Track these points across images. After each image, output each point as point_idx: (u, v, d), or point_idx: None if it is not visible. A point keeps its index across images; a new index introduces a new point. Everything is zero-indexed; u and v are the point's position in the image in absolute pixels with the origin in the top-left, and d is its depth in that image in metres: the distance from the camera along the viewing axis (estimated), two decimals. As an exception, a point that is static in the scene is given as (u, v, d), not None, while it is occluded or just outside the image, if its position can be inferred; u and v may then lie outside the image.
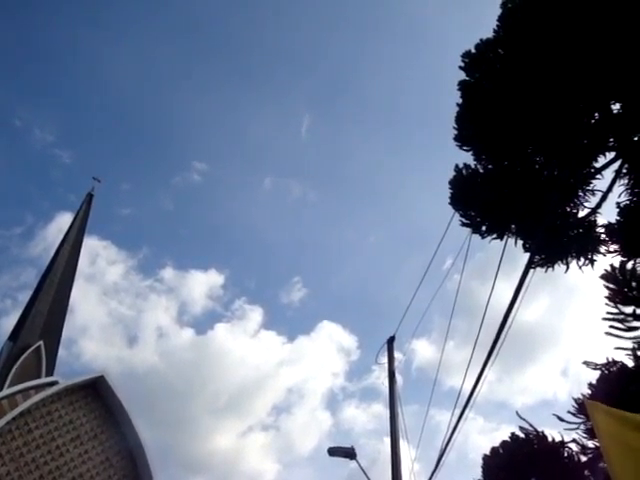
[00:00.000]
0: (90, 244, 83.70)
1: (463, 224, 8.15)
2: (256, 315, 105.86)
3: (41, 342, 31.94)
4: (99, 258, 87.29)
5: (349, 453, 11.46)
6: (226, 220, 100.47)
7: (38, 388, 25.98)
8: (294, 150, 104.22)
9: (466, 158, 7.69)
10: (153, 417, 72.49)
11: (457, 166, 7.66)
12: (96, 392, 26.67)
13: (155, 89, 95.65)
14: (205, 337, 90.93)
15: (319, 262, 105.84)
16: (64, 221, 39.32)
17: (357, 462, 11.42)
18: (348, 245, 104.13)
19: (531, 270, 6.46)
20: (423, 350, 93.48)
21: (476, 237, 8.20)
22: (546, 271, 7.45)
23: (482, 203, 7.53)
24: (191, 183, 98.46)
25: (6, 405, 24.64)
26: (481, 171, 7.58)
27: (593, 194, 7.11)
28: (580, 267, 7.25)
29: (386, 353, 12.33)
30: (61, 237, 38.47)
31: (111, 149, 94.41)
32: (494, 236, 7.63)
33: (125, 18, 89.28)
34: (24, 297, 36.40)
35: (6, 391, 25.73)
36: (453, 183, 7.72)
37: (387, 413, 11.64)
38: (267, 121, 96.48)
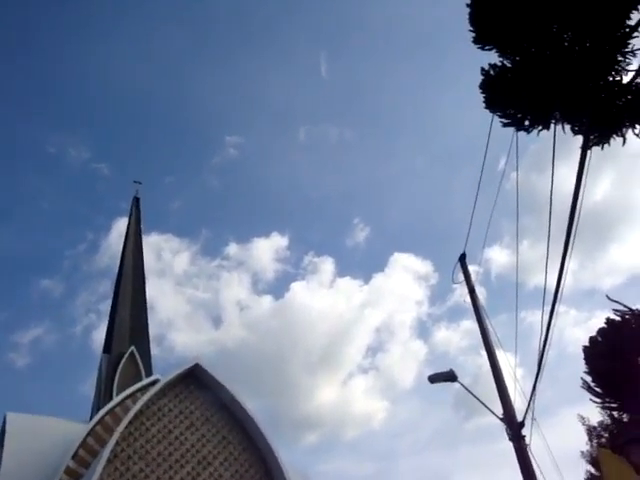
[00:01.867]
0: (152, 241, 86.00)
1: (505, 125, 7.86)
2: (327, 266, 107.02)
3: (132, 347, 33.34)
4: (163, 252, 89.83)
5: (449, 376, 11.52)
6: (273, 183, 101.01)
7: (143, 389, 27.28)
8: (319, 94, 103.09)
9: (491, 59, 7.35)
10: (255, 388, 75.09)
11: (483, 69, 7.31)
12: (196, 379, 27.72)
13: (167, 79, 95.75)
14: (284, 300, 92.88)
15: (373, 198, 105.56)
16: (121, 227, 40.36)
17: (459, 383, 11.49)
18: (397, 175, 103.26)
19: (588, 151, 6.17)
20: (498, 257, 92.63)
21: (523, 133, 7.92)
22: (602, 148, 7.12)
23: (518, 98, 7.20)
24: (229, 158, 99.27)
25: (120, 412, 26.06)
26: (509, 66, 7.22)
27: (634, 55, 6.67)
28: (638, 135, 6.88)
29: (461, 272, 12.23)
30: (122, 243, 39.61)
31: (145, 149, 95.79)
32: (540, 128, 7.31)
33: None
34: (106, 308, 37.80)
35: (116, 399, 27.18)
36: (484, 86, 7.39)
37: (478, 328, 11.62)
38: (285, 75, 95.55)
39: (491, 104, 7.74)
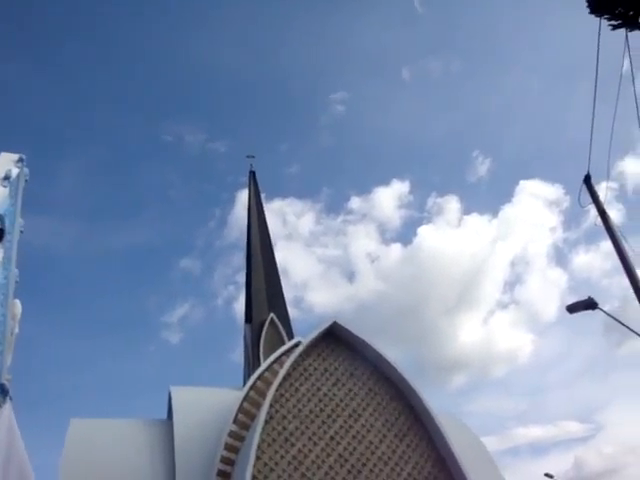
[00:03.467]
0: (275, 208, 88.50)
1: (614, 27, 7.19)
2: (452, 205, 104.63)
3: (272, 314, 34.73)
4: (288, 216, 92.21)
5: (589, 304, 10.91)
6: (384, 130, 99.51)
7: (287, 353, 28.41)
8: (416, 29, 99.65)
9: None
10: (395, 338, 75.94)
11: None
12: (336, 337, 28.43)
13: (262, 54, 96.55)
14: (413, 246, 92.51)
15: (489, 128, 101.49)
16: (244, 200, 41.91)
17: (601, 310, 10.86)
18: (511, 100, 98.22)
19: None
20: (635, 168, 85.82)
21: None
22: None
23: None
24: (338, 115, 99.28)
25: (269, 376, 27.37)
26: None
27: None
28: None
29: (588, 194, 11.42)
30: (246, 216, 41.05)
31: (255, 122, 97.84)
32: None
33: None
34: (242, 279, 39.58)
35: (264, 365, 28.54)
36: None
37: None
38: (376, 17, 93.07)
39: (596, 8, 7.12)
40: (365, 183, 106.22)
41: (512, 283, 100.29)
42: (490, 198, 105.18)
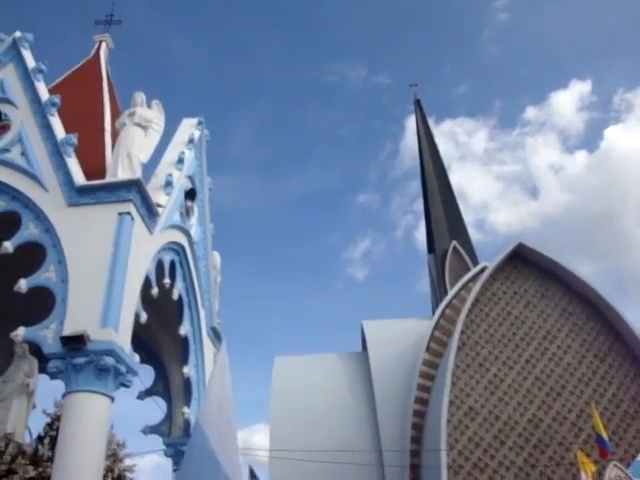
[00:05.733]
0: (445, 130, 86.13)
1: None
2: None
3: (454, 242, 34.39)
4: (459, 136, 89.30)
5: None
6: (552, 33, 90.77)
7: (473, 279, 28.15)
8: None
9: None
10: (588, 253, 71.20)
11: None
12: (523, 258, 27.54)
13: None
14: (600, 151, 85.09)
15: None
16: (414, 128, 41.41)
17: None
18: None
19: None
20: None
21: None
22: None
23: None
24: (501, 23, 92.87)
25: (457, 303, 27.45)
26: None
27: None
28: None
29: None
30: (417, 145, 40.65)
31: (414, 47, 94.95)
32: None
33: None
34: (419, 207, 39.50)
35: (451, 293, 28.61)
36: None
37: None
38: None
39: None
40: (539, 90, 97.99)
41: None
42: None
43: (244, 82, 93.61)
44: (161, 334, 11.39)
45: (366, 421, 26.59)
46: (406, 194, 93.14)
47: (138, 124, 9.31)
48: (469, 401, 23.94)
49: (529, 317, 26.17)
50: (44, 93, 9.56)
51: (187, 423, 10.86)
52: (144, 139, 9.30)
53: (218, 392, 6.38)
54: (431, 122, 41.07)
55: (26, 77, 9.64)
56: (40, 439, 9.10)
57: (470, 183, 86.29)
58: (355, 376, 28.83)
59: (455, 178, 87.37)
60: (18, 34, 9.99)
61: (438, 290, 33.22)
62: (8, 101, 9.50)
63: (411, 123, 56.81)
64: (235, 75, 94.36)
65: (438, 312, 27.79)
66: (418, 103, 40.94)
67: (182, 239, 10.56)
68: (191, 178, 11.15)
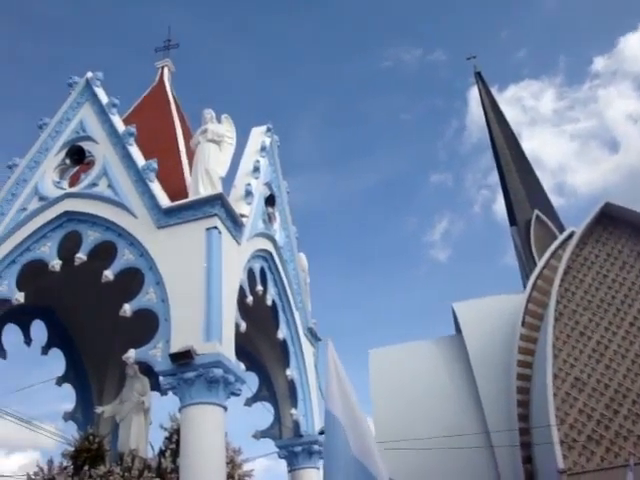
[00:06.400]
0: (509, 96, 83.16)
1: None
2: None
3: (535, 211, 33.36)
4: (526, 101, 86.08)
5: None
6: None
7: (562, 246, 27.12)
8: None
9: None
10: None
11: None
12: (612, 218, 26.38)
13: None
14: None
15: None
16: (478, 100, 40.48)
17: None
18: None
19: None
20: None
21: None
22: None
23: None
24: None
25: (549, 273, 26.52)
26: None
27: None
28: None
29: None
30: (484, 118, 39.67)
31: (467, 19, 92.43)
32: None
33: None
34: (493, 180, 38.36)
35: (540, 263, 27.65)
36: None
37: None
38: None
39: None
40: (606, 37, 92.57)
41: None
42: None
43: (301, 84, 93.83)
44: (260, 340, 11.68)
45: (469, 404, 26.20)
46: (478, 169, 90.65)
47: (212, 140, 9.57)
48: (574, 372, 23.14)
49: (627, 278, 24.99)
50: (120, 125, 9.99)
51: (296, 424, 11.09)
52: (219, 154, 9.54)
53: (339, 392, 6.30)
54: (494, 91, 39.99)
55: (102, 113, 10.12)
56: (162, 452, 9.51)
57: (544, 147, 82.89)
58: (452, 360, 28.44)
59: (527, 145, 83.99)
60: (90, 74, 10.49)
61: (526, 262, 32.28)
62: (89, 138, 10.05)
63: (474, 96, 55.26)
64: (291, 79, 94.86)
65: (530, 284, 26.94)
66: (479, 75, 39.96)
67: (268, 245, 10.78)
68: (269, 185, 11.34)
